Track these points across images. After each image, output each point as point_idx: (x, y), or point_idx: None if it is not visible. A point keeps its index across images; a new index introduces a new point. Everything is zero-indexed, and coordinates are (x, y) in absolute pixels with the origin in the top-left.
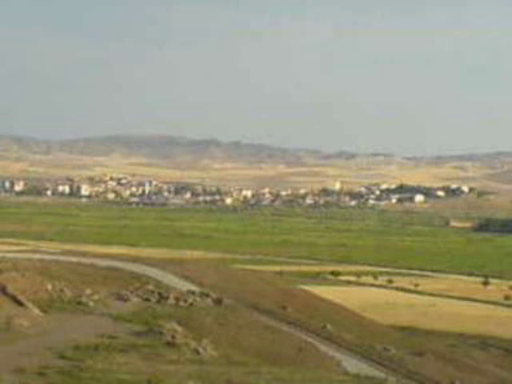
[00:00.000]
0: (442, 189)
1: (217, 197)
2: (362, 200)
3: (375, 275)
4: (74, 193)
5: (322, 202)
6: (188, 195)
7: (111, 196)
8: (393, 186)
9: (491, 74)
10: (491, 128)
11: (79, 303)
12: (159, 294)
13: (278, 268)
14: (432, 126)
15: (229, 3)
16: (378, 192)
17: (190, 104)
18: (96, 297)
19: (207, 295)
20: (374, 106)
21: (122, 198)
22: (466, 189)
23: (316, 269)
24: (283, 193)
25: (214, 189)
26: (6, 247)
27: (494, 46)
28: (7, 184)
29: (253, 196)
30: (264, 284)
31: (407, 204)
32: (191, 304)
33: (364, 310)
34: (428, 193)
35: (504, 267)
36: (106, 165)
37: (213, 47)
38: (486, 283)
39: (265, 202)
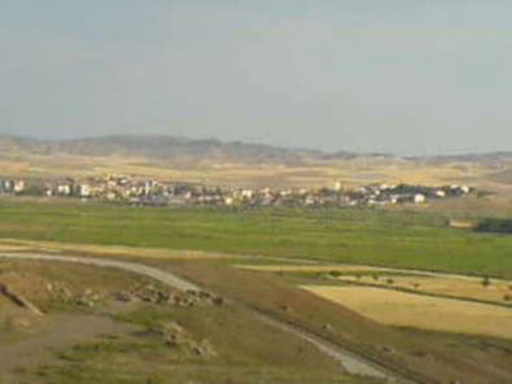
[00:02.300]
0: (442, 189)
1: (217, 197)
2: (362, 200)
3: (375, 275)
4: (74, 193)
5: (322, 201)
6: (188, 195)
7: (111, 196)
8: (393, 186)
9: (491, 74)
10: (491, 128)
11: (79, 303)
12: (159, 293)
13: (278, 268)
14: (432, 126)
15: (229, 3)
16: (378, 192)
17: (190, 104)
18: (96, 297)
19: (207, 295)
20: (374, 105)
21: (122, 197)
22: (466, 189)
23: (316, 269)
24: (283, 193)
25: (214, 189)
26: (6, 247)
27: (494, 45)
28: (7, 184)
29: (253, 196)
30: (264, 284)
31: (407, 204)
32: (191, 304)
33: (364, 310)
34: (428, 193)
35: (504, 267)
36: (106, 165)
37: (213, 47)
38: (486, 283)
39: (265, 202)
